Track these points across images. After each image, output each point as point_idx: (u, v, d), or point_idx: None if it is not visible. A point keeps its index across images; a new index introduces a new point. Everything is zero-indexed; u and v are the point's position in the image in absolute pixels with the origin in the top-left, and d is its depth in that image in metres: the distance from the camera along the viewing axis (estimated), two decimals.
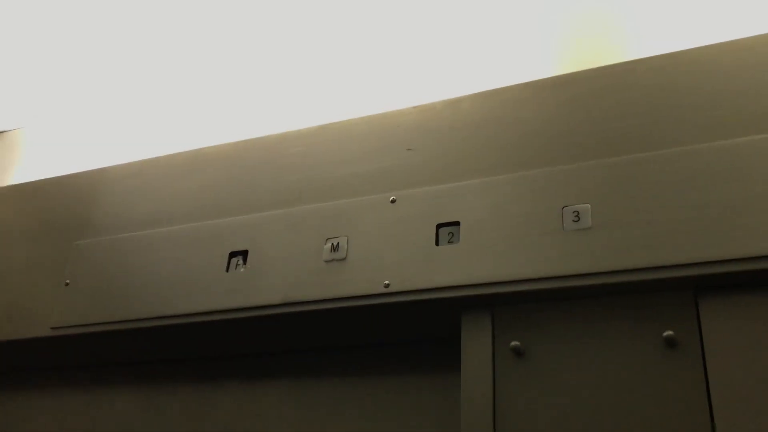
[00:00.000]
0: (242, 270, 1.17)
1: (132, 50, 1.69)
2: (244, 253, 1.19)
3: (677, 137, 0.98)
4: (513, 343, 0.95)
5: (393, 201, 1.12)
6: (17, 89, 1.83)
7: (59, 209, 1.46)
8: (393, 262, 1.06)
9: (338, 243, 1.12)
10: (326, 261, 1.11)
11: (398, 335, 1.14)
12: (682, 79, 1.03)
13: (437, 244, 1.05)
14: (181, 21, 1.61)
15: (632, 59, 1.08)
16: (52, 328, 1.28)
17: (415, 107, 1.20)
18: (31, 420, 1.40)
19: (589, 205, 0.98)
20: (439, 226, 1.06)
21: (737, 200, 0.90)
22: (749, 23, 1.07)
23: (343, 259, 1.10)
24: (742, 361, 0.84)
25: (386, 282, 1.05)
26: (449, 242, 1.05)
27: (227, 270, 1.18)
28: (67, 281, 1.32)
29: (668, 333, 0.88)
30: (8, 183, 1.65)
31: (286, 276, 1.13)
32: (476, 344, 0.98)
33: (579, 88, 1.09)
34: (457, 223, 1.05)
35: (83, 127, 1.75)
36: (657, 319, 0.90)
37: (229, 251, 1.20)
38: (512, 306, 0.99)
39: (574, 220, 0.98)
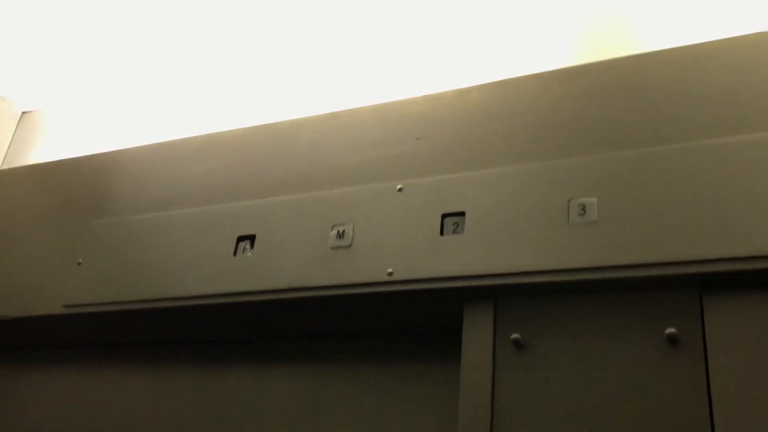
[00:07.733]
0: (249, 254, 1.18)
1: (150, 37, 1.70)
2: (251, 238, 1.20)
3: (686, 132, 0.96)
4: (513, 336, 0.95)
5: (400, 189, 1.12)
6: (40, 72, 1.86)
7: (75, 189, 1.48)
8: (397, 250, 1.06)
9: (344, 230, 1.12)
10: (332, 248, 1.12)
11: (401, 324, 1.14)
12: (694, 74, 1.01)
13: (442, 233, 1.05)
14: (199, 10, 1.61)
15: (642, 52, 1.07)
16: (64, 306, 1.30)
17: (424, 96, 1.20)
18: (41, 397, 1.42)
19: (595, 199, 0.96)
20: (444, 215, 1.06)
21: (746, 198, 0.88)
22: (764, 18, 1.05)
23: (349, 246, 1.10)
24: (744, 361, 0.83)
25: (390, 270, 1.05)
26: (454, 232, 1.04)
27: (235, 254, 1.19)
28: (80, 260, 1.34)
29: (670, 330, 0.87)
30: (28, 162, 1.68)
31: (292, 261, 1.13)
32: (478, 335, 0.98)
33: (588, 81, 1.08)
34: (462, 214, 1.05)
35: (102, 110, 1.77)
36: (660, 316, 0.89)
37: (238, 235, 1.20)
38: (515, 298, 0.98)
39: (579, 214, 0.97)
